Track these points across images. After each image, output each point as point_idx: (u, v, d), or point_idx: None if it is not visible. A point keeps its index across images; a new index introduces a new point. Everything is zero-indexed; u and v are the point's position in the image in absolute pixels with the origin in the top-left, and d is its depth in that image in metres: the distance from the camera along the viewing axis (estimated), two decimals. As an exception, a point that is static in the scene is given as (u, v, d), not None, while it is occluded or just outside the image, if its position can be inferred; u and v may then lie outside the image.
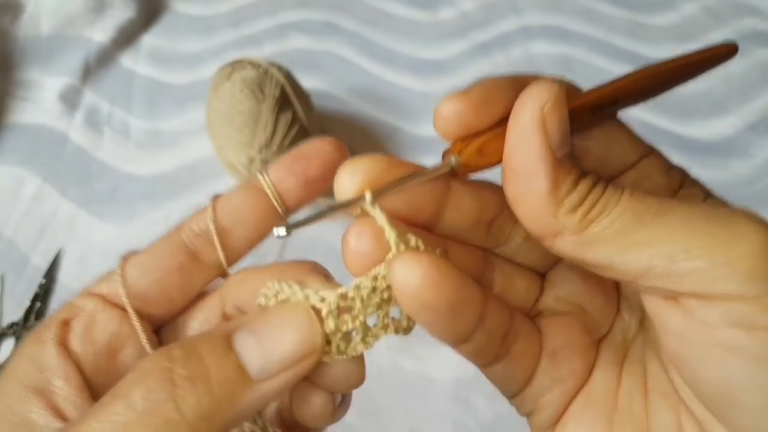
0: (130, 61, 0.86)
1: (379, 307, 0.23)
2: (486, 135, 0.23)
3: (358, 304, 0.22)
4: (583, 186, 0.21)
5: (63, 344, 0.24)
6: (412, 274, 0.20)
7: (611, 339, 0.27)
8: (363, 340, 0.23)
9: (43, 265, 0.65)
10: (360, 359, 0.23)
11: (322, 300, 0.22)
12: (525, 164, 0.21)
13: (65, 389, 0.23)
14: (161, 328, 0.27)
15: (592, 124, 0.25)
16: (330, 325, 0.22)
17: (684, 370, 0.22)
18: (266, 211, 0.27)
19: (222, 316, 0.27)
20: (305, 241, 0.63)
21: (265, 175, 0.27)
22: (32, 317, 0.61)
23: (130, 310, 0.25)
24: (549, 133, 0.21)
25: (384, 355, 0.58)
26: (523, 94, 0.21)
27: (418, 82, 0.83)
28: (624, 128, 0.26)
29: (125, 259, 0.26)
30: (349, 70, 0.85)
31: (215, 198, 0.27)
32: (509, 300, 0.26)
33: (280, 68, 0.67)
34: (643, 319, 0.26)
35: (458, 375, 0.57)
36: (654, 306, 0.22)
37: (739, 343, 0.19)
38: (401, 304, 0.21)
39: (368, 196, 0.22)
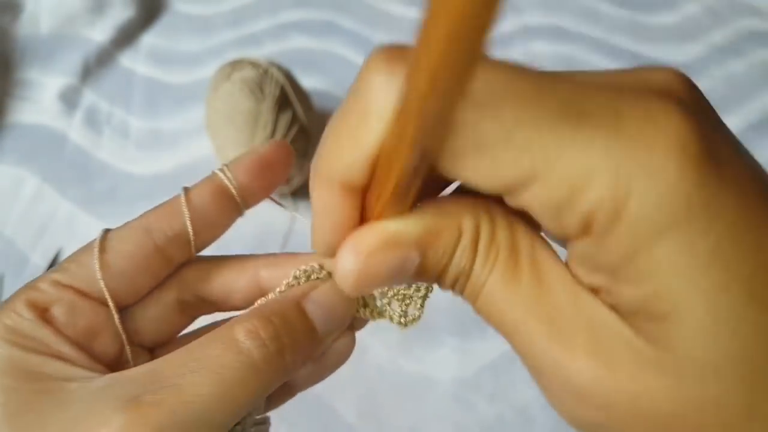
0: (129, 60, 0.85)
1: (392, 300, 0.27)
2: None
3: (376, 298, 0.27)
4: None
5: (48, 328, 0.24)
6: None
7: None
8: (378, 313, 0.28)
9: (43, 264, 0.65)
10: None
11: None
12: None
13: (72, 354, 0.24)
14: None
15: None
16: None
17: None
18: (231, 212, 0.28)
19: (176, 301, 0.28)
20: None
21: (231, 179, 0.27)
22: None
23: (113, 307, 0.26)
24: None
25: (383, 355, 0.57)
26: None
27: (418, 81, 0.83)
28: None
29: (102, 248, 0.26)
30: (349, 70, 0.84)
31: (187, 195, 0.27)
32: None
33: (279, 68, 0.66)
34: None
35: (458, 375, 0.56)
36: None
37: None
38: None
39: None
